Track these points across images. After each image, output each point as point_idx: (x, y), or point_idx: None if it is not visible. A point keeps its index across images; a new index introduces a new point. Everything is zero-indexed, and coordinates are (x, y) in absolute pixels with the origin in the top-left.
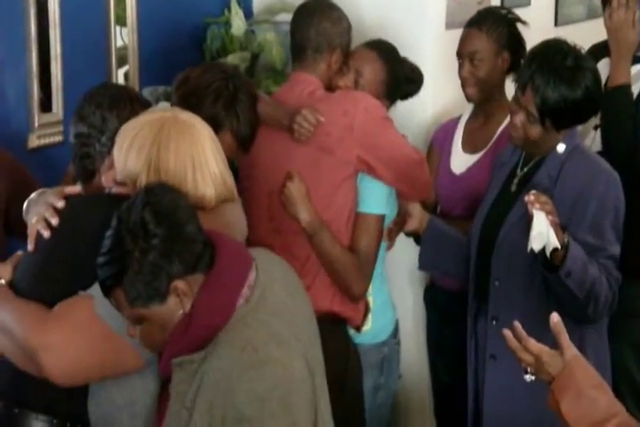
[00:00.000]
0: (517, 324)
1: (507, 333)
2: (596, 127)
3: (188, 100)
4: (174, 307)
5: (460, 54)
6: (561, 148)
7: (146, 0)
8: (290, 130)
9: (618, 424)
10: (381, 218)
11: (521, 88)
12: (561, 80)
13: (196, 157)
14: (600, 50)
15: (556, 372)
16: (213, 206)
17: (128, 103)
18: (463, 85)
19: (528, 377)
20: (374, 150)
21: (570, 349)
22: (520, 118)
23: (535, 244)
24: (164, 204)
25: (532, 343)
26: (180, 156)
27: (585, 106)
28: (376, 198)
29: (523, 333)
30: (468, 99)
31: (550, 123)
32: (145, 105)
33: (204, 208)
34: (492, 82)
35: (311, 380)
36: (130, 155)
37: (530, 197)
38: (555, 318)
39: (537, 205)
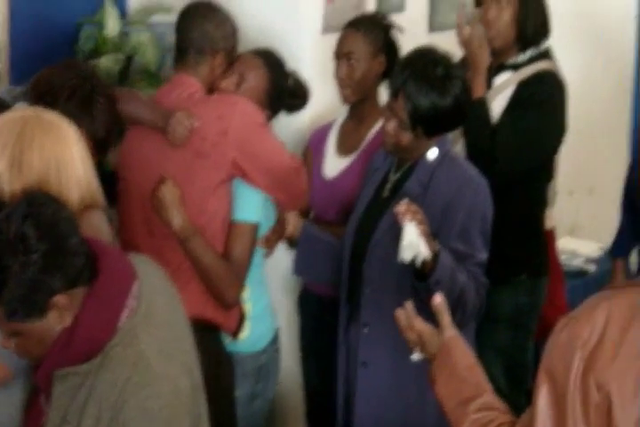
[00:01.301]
0: (409, 303)
1: (399, 312)
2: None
3: (44, 99)
4: (54, 321)
5: (337, 55)
6: (432, 154)
7: None
8: (165, 133)
9: (482, 404)
10: (255, 226)
11: (393, 95)
12: (432, 88)
13: (61, 158)
14: None
15: (435, 351)
16: (76, 211)
17: None
18: (339, 86)
19: (415, 356)
20: (250, 156)
21: (449, 329)
22: (392, 125)
23: (406, 254)
24: (46, 216)
25: (418, 322)
26: (45, 155)
27: (455, 113)
28: (251, 206)
29: (412, 311)
30: (344, 100)
31: (421, 130)
32: (4, 107)
33: None
34: (367, 84)
35: (195, 393)
36: None
37: (400, 207)
38: (437, 298)
39: (408, 216)
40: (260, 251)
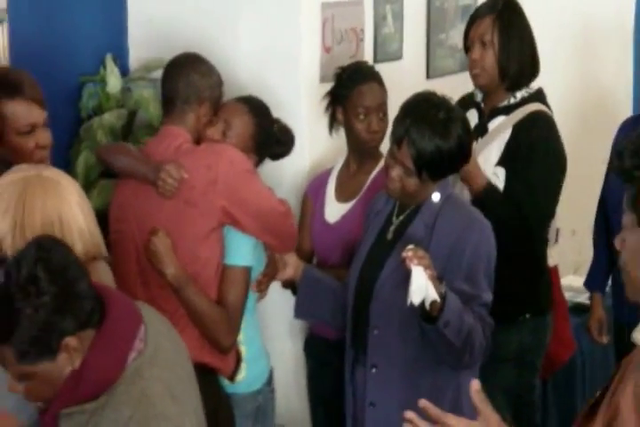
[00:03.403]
0: (426, 402)
1: (409, 415)
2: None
3: None
4: (63, 363)
5: (369, 109)
6: (436, 197)
7: (20, 57)
8: (155, 185)
9: None
10: (248, 270)
11: (397, 143)
12: (435, 133)
13: (63, 213)
14: (467, 101)
15: None
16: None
17: None
18: (373, 140)
19: None
20: (238, 203)
21: (493, 417)
22: (397, 172)
23: (415, 298)
24: (56, 260)
25: (451, 417)
26: (47, 215)
27: (458, 155)
28: (242, 250)
29: (438, 412)
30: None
31: (427, 174)
32: (7, 165)
33: None
34: None
35: None
36: None
37: (407, 252)
38: (475, 384)
39: (415, 261)
40: (252, 295)
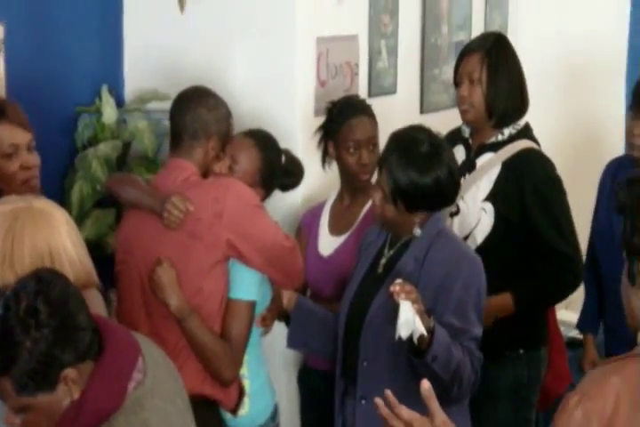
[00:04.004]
0: (388, 392)
1: (377, 401)
2: (451, 215)
3: None
4: (63, 395)
5: (359, 142)
6: (417, 231)
7: (15, 88)
8: (160, 216)
9: None
10: (252, 304)
11: (379, 168)
12: (412, 165)
13: (53, 244)
14: (455, 136)
15: None
16: None
17: None
18: (364, 173)
19: None
20: (244, 237)
21: (439, 415)
22: (378, 197)
23: (402, 331)
24: (56, 292)
25: (404, 411)
26: (37, 249)
27: (434, 194)
28: (247, 285)
29: (395, 401)
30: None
31: (402, 204)
32: None
33: None
34: None
35: None
36: None
37: (395, 286)
38: (425, 384)
39: (402, 295)
40: (257, 330)
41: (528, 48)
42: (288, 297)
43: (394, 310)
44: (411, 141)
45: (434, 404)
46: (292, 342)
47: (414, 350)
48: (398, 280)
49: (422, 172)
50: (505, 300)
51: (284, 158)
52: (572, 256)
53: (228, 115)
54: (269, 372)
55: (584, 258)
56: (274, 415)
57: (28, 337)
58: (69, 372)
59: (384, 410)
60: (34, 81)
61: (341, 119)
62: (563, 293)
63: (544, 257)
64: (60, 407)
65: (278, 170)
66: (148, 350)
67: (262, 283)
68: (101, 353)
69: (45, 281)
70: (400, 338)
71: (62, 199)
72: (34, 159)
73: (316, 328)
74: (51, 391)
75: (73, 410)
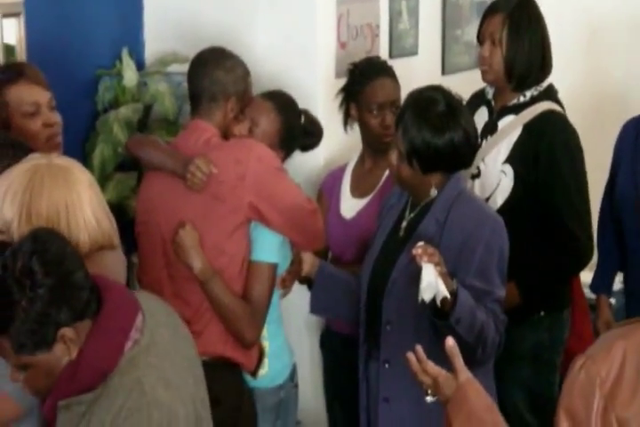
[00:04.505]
0: (418, 347)
1: (409, 355)
2: (472, 177)
3: None
4: (61, 354)
5: (382, 104)
6: (433, 193)
7: (35, 51)
8: (183, 178)
9: None
10: (274, 266)
11: (396, 125)
12: (427, 125)
13: (70, 202)
14: (479, 98)
15: (450, 393)
16: (88, 252)
17: (10, 150)
18: (387, 135)
19: (429, 398)
20: (266, 199)
21: (463, 372)
22: (394, 156)
23: (425, 295)
24: (51, 252)
25: (431, 366)
26: (53, 201)
27: (449, 155)
28: (268, 247)
29: (423, 356)
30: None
31: (418, 164)
32: (27, 151)
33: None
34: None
35: (198, 424)
36: (4, 202)
37: (417, 249)
38: (450, 341)
39: (425, 258)
40: (276, 292)
41: (553, 6)
42: (310, 262)
43: (416, 273)
44: (427, 101)
45: (458, 361)
46: (315, 308)
47: (438, 313)
48: (420, 243)
49: (436, 132)
50: (510, 291)
51: (303, 119)
52: (577, 235)
53: (245, 75)
54: (292, 334)
55: (594, 231)
56: (292, 375)
57: (24, 297)
58: (66, 331)
59: (415, 365)
60: (54, 45)
61: (364, 81)
62: (566, 276)
63: (552, 228)
64: (59, 366)
65: (298, 131)
66: (150, 308)
67: (283, 245)
68: (99, 312)
69: (41, 241)
70: (423, 301)
71: (84, 162)
72: (55, 117)
73: (339, 293)
74: (49, 350)
75: (70, 369)
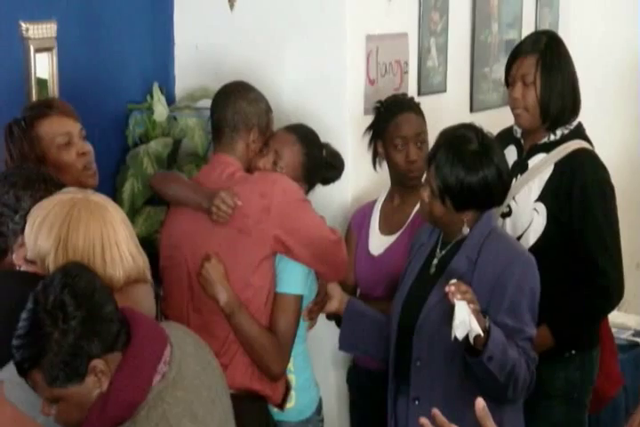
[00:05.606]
0: (436, 411)
1: (424, 421)
2: (503, 215)
3: None
4: (92, 386)
5: (406, 138)
6: (465, 230)
7: (67, 86)
8: (208, 212)
9: None
10: (299, 298)
11: (427, 163)
12: (460, 163)
13: (106, 237)
14: (507, 136)
15: None
16: (122, 287)
17: (42, 184)
18: (412, 169)
19: None
20: (291, 232)
21: None
22: (426, 193)
23: (458, 332)
24: (81, 285)
25: None
26: (90, 236)
27: (482, 193)
28: (294, 279)
29: (443, 419)
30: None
31: (450, 202)
32: (59, 186)
33: (112, 288)
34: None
35: None
36: (40, 233)
37: (451, 287)
38: (480, 403)
39: (458, 296)
40: (303, 324)
41: (579, 46)
42: (339, 299)
43: (449, 311)
44: (460, 139)
45: (489, 423)
46: (344, 345)
47: (470, 350)
48: (453, 280)
49: (470, 170)
50: (542, 334)
51: (324, 152)
52: (608, 272)
53: (268, 109)
54: (318, 369)
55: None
56: (319, 409)
57: (57, 329)
58: (97, 363)
59: None
60: (86, 79)
61: (388, 117)
62: (598, 317)
63: (583, 266)
64: (91, 398)
65: (320, 164)
66: (178, 341)
67: (308, 276)
68: (129, 345)
69: (71, 275)
70: (456, 338)
71: (114, 196)
72: (88, 146)
73: (368, 331)
74: (80, 382)
75: (100, 401)
